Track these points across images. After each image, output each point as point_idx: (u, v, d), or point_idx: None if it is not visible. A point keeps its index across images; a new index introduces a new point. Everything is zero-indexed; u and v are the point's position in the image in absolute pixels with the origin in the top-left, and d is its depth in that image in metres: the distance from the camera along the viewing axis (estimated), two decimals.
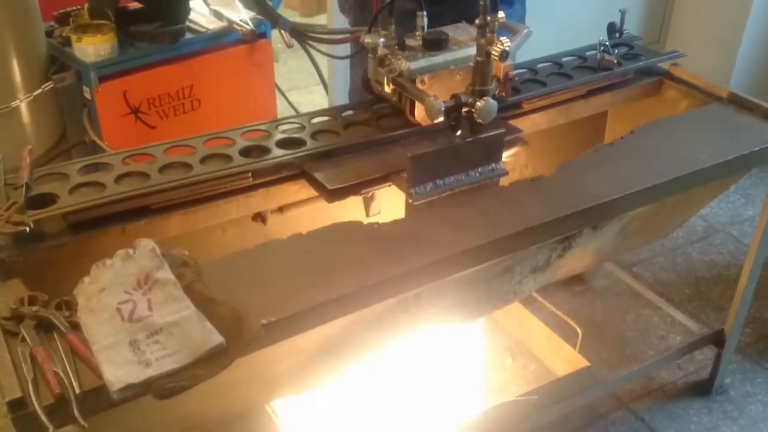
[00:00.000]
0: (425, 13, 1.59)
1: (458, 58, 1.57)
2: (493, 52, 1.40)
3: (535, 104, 1.80)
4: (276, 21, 1.73)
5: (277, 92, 2.70)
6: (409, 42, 1.58)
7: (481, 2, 1.37)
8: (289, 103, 3.40)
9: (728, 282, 2.54)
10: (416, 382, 1.88)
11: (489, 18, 1.38)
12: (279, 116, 2.74)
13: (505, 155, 1.58)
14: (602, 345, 2.26)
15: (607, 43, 1.93)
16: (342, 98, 2.96)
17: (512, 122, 1.74)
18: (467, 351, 2.00)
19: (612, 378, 1.94)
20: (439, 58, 1.56)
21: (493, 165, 1.52)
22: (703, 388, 2.15)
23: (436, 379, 1.91)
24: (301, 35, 1.68)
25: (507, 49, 1.41)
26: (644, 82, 1.94)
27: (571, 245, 1.59)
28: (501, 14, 1.40)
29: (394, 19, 1.57)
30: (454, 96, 1.45)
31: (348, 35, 1.71)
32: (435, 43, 1.57)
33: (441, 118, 1.43)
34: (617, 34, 2.00)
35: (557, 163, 1.69)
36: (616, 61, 1.89)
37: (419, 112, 1.55)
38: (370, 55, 1.57)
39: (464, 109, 1.44)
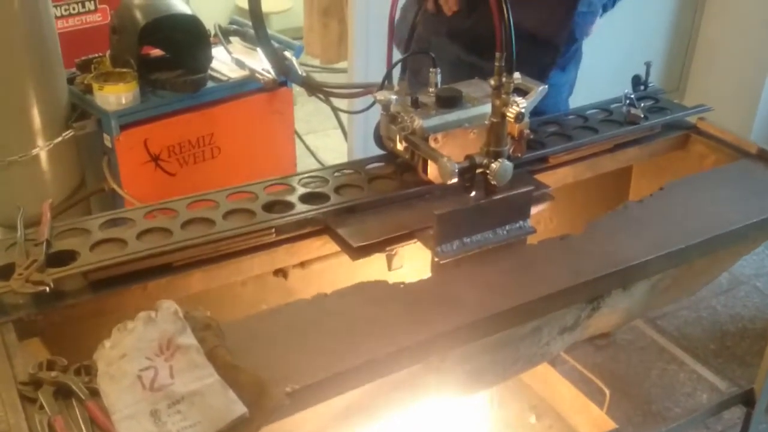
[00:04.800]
0: (438, 71, 1.56)
1: (472, 116, 1.54)
2: (508, 114, 1.37)
3: (561, 158, 1.77)
4: (288, 74, 1.72)
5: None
6: (422, 99, 1.55)
7: (496, 63, 1.34)
8: (306, 147, 3.40)
9: (754, 337, 2.49)
10: None
11: (504, 79, 1.35)
12: (297, 160, 2.75)
13: (533, 211, 1.55)
14: (627, 401, 2.20)
15: (633, 96, 1.91)
16: (360, 143, 2.95)
17: (538, 176, 1.71)
18: (490, 408, 1.95)
19: None
20: (453, 116, 1.52)
21: (521, 223, 1.49)
22: None
23: None
24: (314, 89, 1.67)
25: (522, 111, 1.37)
26: (670, 136, 1.91)
27: (600, 305, 1.55)
28: (516, 75, 1.37)
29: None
30: (468, 157, 1.40)
31: (361, 90, 1.69)
32: (448, 101, 1.54)
33: (455, 180, 1.39)
34: (642, 87, 1.98)
35: (582, 216, 1.66)
36: (642, 115, 1.86)
37: (432, 171, 1.52)
38: (382, 111, 1.55)
39: (478, 170, 1.41)
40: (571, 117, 1.91)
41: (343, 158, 3.45)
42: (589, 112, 1.93)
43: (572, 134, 1.81)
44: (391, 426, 1.65)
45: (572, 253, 1.45)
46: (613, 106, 1.95)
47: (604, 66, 2.99)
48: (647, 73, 1.97)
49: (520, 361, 1.53)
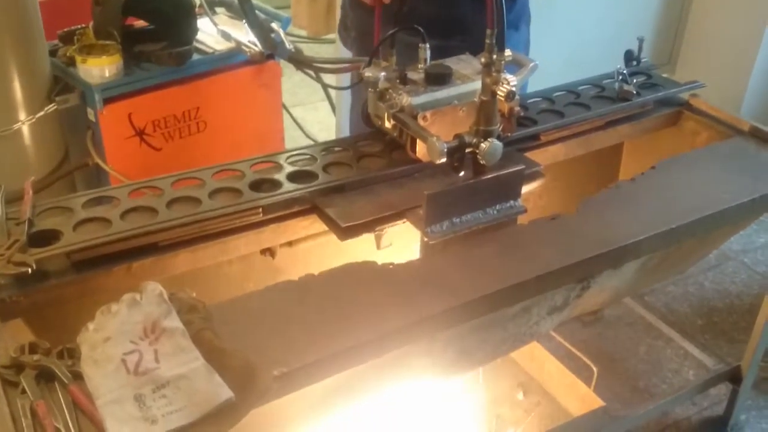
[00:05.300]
0: (427, 46, 1.53)
1: (462, 93, 1.50)
2: (498, 92, 1.34)
3: (552, 135, 1.75)
4: (275, 49, 1.68)
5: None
6: (411, 75, 1.51)
7: (487, 40, 1.31)
8: (294, 119, 3.36)
9: (741, 312, 2.50)
10: (425, 417, 1.83)
11: (495, 57, 1.32)
12: (284, 133, 2.71)
13: (524, 190, 1.54)
14: (614, 377, 2.21)
15: (625, 72, 1.89)
16: (348, 118, 2.91)
17: (529, 154, 1.69)
18: (477, 385, 1.95)
19: (627, 418, 1.89)
20: (442, 93, 1.49)
21: (512, 202, 1.47)
22: (718, 425, 2.10)
23: (444, 414, 1.86)
24: (300, 64, 1.63)
25: (513, 89, 1.34)
26: (662, 112, 1.89)
27: (590, 285, 1.54)
28: (508, 52, 1.34)
29: (397, 52, 1.51)
30: (458, 136, 1.38)
31: (348, 65, 1.66)
32: (438, 78, 1.50)
33: (443, 159, 1.37)
34: (634, 62, 1.95)
35: (572, 194, 1.64)
36: (634, 92, 1.84)
37: (420, 149, 1.50)
38: (369, 89, 1.51)
39: (468, 150, 1.38)
40: (562, 93, 1.88)
41: (330, 131, 3.42)
42: (581, 87, 1.91)
43: (564, 111, 1.79)
44: (378, 404, 1.64)
45: (563, 233, 1.43)
46: (605, 81, 1.92)
47: (595, 39, 2.96)
48: (640, 49, 1.94)
49: (508, 340, 1.52)
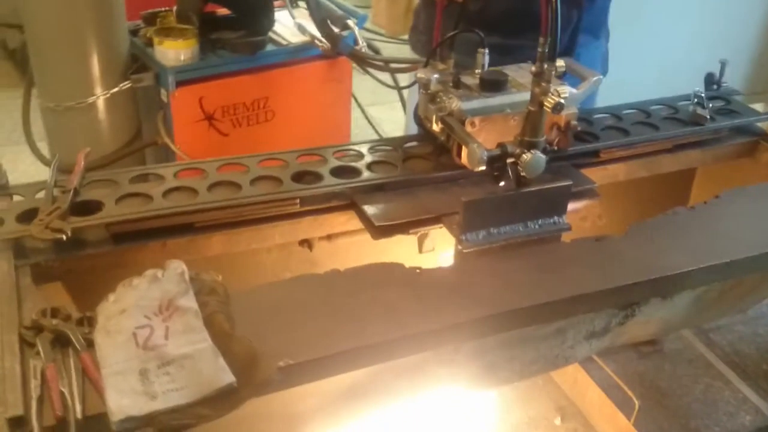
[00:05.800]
0: (486, 51, 1.49)
1: (515, 101, 1.46)
2: (546, 103, 1.29)
3: (614, 154, 1.68)
4: (336, 44, 1.68)
5: (356, 106, 2.67)
6: (466, 80, 1.48)
7: (539, 49, 1.25)
8: (366, 117, 3.36)
9: None
10: None
11: (546, 66, 1.26)
12: (355, 131, 2.71)
13: (573, 207, 1.48)
14: (664, 414, 2.08)
15: (703, 95, 1.79)
16: None
17: (587, 171, 1.63)
18: (513, 404, 1.89)
19: None
20: (495, 101, 1.45)
21: (556, 218, 1.41)
22: None
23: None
24: (361, 61, 1.63)
25: (561, 101, 1.29)
26: (737, 141, 1.78)
27: (635, 313, 1.46)
28: (560, 62, 1.28)
29: (463, 51, 1.48)
30: (500, 145, 1.34)
31: (408, 65, 1.64)
32: (492, 84, 1.46)
33: (483, 167, 1.33)
34: (715, 86, 1.85)
35: (634, 217, 1.56)
36: (708, 116, 1.74)
37: (464, 155, 1.46)
38: (421, 90, 1.49)
39: (509, 160, 1.34)
40: (632, 111, 1.80)
41: (402, 132, 3.40)
42: (653, 107, 1.82)
43: (629, 129, 1.71)
44: (402, 415, 1.61)
45: (606, 255, 1.37)
46: (680, 103, 1.83)
47: (684, 61, 2.82)
48: (721, 72, 1.83)
49: (539, 361, 1.46)
